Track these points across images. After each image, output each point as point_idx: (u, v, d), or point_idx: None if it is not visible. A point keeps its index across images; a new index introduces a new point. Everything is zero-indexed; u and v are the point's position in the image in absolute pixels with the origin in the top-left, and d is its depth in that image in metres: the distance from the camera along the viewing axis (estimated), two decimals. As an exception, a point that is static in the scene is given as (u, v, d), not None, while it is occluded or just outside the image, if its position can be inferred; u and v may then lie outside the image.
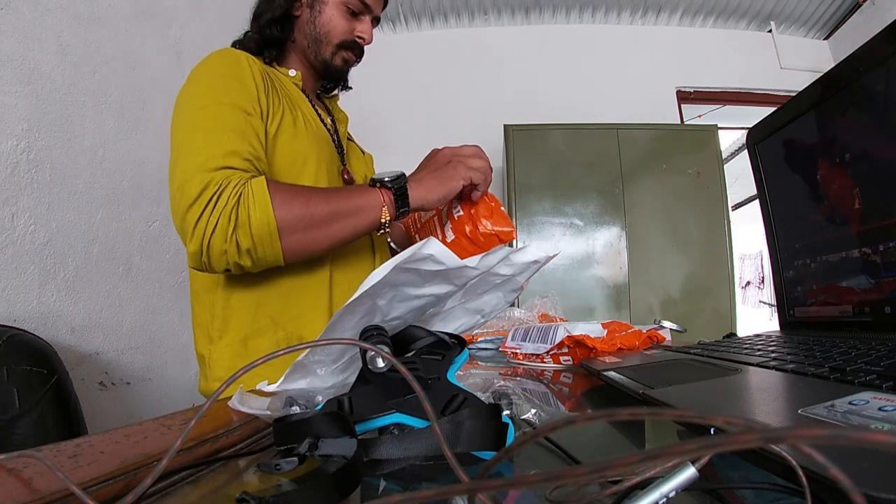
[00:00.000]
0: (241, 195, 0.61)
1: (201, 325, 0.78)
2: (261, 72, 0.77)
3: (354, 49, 0.87)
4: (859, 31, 2.68)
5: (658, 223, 2.30)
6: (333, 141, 0.88)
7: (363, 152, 1.02)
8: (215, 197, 0.60)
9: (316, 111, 0.86)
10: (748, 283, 6.36)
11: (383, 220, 0.68)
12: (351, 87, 0.99)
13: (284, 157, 0.76)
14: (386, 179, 0.68)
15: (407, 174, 0.72)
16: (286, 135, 0.76)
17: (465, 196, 0.74)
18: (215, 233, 0.60)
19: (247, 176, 0.64)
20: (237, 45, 0.86)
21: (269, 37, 0.84)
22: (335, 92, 0.98)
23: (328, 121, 0.90)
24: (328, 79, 0.92)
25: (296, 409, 0.32)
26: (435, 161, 0.73)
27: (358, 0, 0.83)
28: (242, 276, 0.74)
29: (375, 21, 0.89)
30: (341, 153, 0.89)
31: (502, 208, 0.75)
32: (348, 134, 0.99)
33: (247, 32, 0.86)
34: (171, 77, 1.49)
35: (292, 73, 0.86)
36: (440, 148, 0.75)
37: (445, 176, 0.70)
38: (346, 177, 0.86)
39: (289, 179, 0.76)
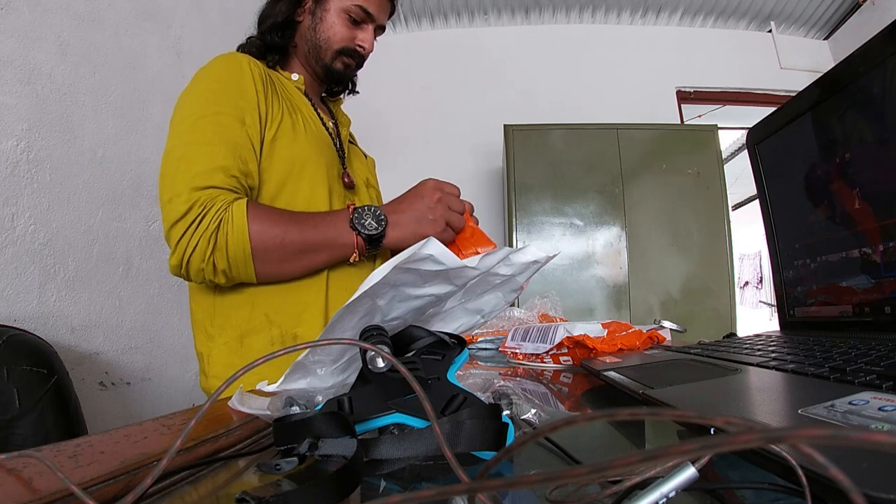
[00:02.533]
0: (221, 220, 0.65)
1: (199, 323, 0.79)
2: (262, 76, 0.77)
3: (354, 56, 0.87)
4: (859, 31, 2.68)
5: (658, 223, 2.30)
6: (335, 144, 0.88)
7: (365, 156, 1.02)
8: (198, 219, 0.65)
9: (318, 114, 0.87)
10: (746, 283, 6.36)
11: (353, 260, 0.74)
12: (358, 92, 0.99)
13: (283, 161, 0.76)
14: (364, 231, 0.71)
15: (391, 200, 0.75)
16: (285, 138, 0.77)
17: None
18: (195, 252, 0.65)
19: (231, 198, 0.67)
20: (241, 49, 0.86)
21: (270, 42, 0.84)
22: (341, 95, 0.98)
23: (330, 124, 0.90)
24: (330, 83, 0.92)
25: (296, 409, 0.32)
26: (420, 197, 0.74)
27: (359, 9, 0.83)
28: None
29: (380, 30, 0.88)
30: (342, 157, 0.89)
31: (480, 228, 0.78)
32: (351, 137, 0.99)
33: (250, 37, 0.87)
34: (171, 77, 1.49)
35: (295, 76, 0.86)
36: (428, 181, 0.76)
37: (426, 221, 0.72)
38: (346, 179, 0.86)
39: (289, 181, 0.77)
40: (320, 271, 0.76)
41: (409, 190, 0.76)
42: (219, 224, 0.65)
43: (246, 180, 0.72)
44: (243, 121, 0.72)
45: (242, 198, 0.69)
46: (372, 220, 0.71)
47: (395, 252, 0.70)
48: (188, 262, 0.66)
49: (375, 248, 0.73)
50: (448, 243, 0.76)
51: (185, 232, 0.65)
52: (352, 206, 0.72)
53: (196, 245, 0.65)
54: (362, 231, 0.71)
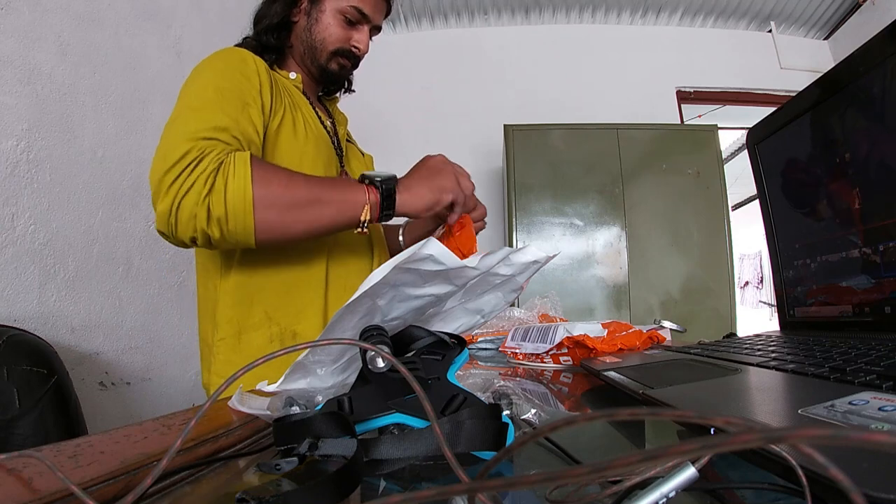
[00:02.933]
0: (221, 163, 0.60)
1: (206, 311, 0.79)
2: (266, 70, 0.77)
3: (349, 57, 0.86)
4: (859, 31, 2.68)
5: (658, 223, 2.30)
6: (333, 143, 0.88)
7: (363, 154, 1.02)
8: (195, 161, 0.59)
9: (316, 113, 0.87)
10: (746, 283, 6.36)
11: (363, 219, 0.66)
12: (354, 90, 0.99)
13: (283, 157, 0.76)
14: (377, 179, 0.67)
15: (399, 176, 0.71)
16: (286, 134, 0.77)
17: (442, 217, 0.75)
18: (189, 194, 0.58)
19: (232, 148, 0.63)
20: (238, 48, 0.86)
21: (265, 43, 0.84)
22: (336, 94, 0.98)
23: (328, 123, 0.90)
24: (326, 83, 0.92)
25: (296, 409, 0.32)
26: (427, 167, 0.72)
27: (355, 10, 0.82)
28: (240, 268, 0.75)
29: (376, 30, 0.88)
30: (340, 155, 0.89)
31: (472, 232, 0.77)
32: (348, 136, 0.99)
33: (246, 38, 0.86)
34: (171, 77, 1.49)
35: (293, 75, 0.86)
36: (433, 155, 0.74)
37: (436, 185, 0.69)
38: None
39: None
40: (320, 237, 0.71)
41: (422, 163, 0.73)
42: (219, 166, 0.60)
43: (248, 146, 0.67)
44: (246, 103, 0.70)
45: (246, 152, 0.64)
46: (379, 177, 0.68)
47: (408, 216, 0.70)
48: (179, 205, 0.59)
49: (388, 206, 0.67)
50: (447, 236, 0.75)
51: (179, 174, 0.58)
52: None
53: (192, 186, 0.58)
54: (376, 180, 0.66)
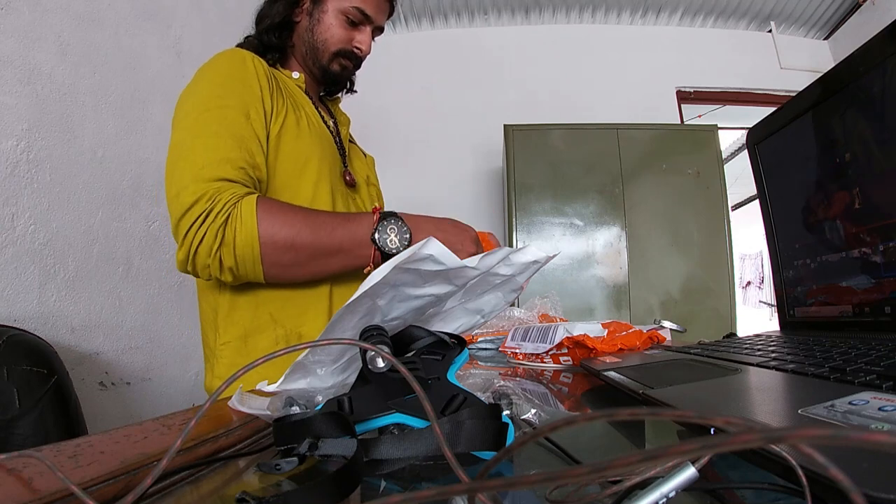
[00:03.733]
0: (230, 216, 0.63)
1: (208, 320, 0.78)
2: (266, 72, 0.77)
3: (351, 58, 0.86)
4: (859, 31, 2.68)
5: (658, 223, 2.30)
6: (336, 143, 0.88)
7: (365, 155, 1.02)
8: (206, 212, 0.63)
9: (319, 113, 0.87)
10: (748, 283, 6.36)
11: (367, 271, 0.70)
12: (356, 91, 0.99)
13: (287, 157, 0.76)
14: (384, 249, 0.68)
15: (420, 216, 0.72)
16: (290, 134, 0.77)
17: None
18: (201, 246, 0.63)
19: (241, 191, 0.65)
20: (239, 47, 0.86)
21: (267, 43, 0.84)
22: (338, 95, 0.98)
23: (330, 123, 0.90)
24: (327, 84, 0.92)
25: (296, 409, 0.32)
26: (455, 226, 0.73)
27: (357, 10, 0.82)
28: None
29: (378, 31, 0.87)
30: (343, 155, 0.89)
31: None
32: (350, 136, 0.99)
33: (247, 37, 0.86)
34: (171, 77, 1.49)
35: (295, 75, 0.86)
36: (461, 223, 0.75)
37: (452, 246, 0.70)
38: (347, 178, 0.86)
39: (292, 179, 0.77)
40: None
41: (447, 219, 0.74)
42: (227, 218, 0.63)
43: (254, 172, 0.69)
44: (248, 114, 0.71)
45: (253, 193, 0.66)
46: (396, 236, 0.68)
47: None
48: (194, 255, 0.64)
49: None
50: None
51: (192, 224, 0.63)
52: (377, 214, 0.69)
53: (203, 238, 0.62)
54: (383, 248, 0.68)
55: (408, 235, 0.68)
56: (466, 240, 0.72)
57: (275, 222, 0.64)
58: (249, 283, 0.74)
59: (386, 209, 0.74)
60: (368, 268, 0.70)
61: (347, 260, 0.69)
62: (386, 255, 0.68)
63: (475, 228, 0.77)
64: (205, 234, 0.62)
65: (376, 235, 0.68)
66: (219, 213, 0.63)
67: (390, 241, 0.68)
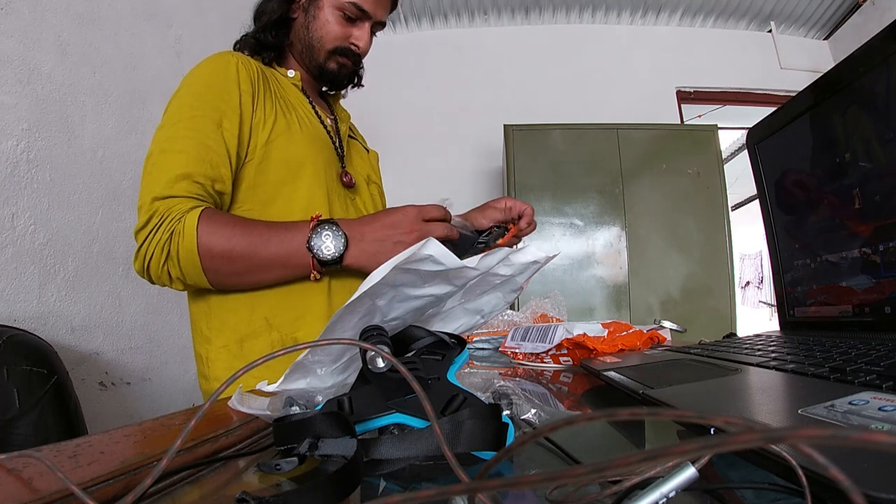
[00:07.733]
0: (173, 231, 0.65)
1: (196, 324, 0.78)
2: (251, 77, 0.75)
3: (349, 55, 0.84)
4: (859, 31, 2.68)
5: (658, 223, 2.30)
6: (333, 142, 0.86)
7: (367, 150, 1.00)
8: (154, 229, 0.66)
9: (316, 111, 0.85)
10: (748, 283, 6.36)
11: (312, 279, 0.70)
12: (363, 85, 0.95)
13: (279, 163, 0.75)
14: (319, 255, 0.67)
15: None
16: (280, 140, 0.76)
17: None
18: (152, 260, 0.66)
19: (187, 207, 0.66)
20: (236, 46, 0.85)
21: (264, 41, 0.83)
22: (343, 90, 0.95)
23: (328, 121, 0.88)
24: (325, 82, 0.90)
25: (296, 409, 0.32)
26: (391, 224, 0.69)
27: (353, 6, 0.79)
28: None
29: (379, 26, 0.85)
30: (341, 155, 0.87)
31: None
32: (352, 131, 0.97)
33: (245, 34, 0.85)
34: (171, 77, 1.49)
35: (291, 73, 0.85)
36: (405, 207, 0.70)
37: (387, 249, 0.68)
38: (345, 179, 0.85)
39: (285, 185, 0.76)
40: (283, 285, 0.73)
41: (385, 215, 0.70)
42: (171, 234, 0.65)
43: (213, 185, 0.69)
44: (220, 123, 0.70)
45: (199, 206, 0.66)
46: (331, 242, 0.67)
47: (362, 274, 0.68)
48: (147, 268, 0.67)
49: (333, 268, 0.69)
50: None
51: (144, 240, 0.66)
52: (315, 221, 0.68)
53: (152, 254, 0.66)
54: (318, 255, 0.67)
55: (343, 241, 0.67)
56: (405, 231, 0.68)
57: (213, 235, 0.65)
58: (243, 287, 0.74)
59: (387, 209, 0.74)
60: (313, 275, 0.69)
61: (287, 269, 0.69)
62: (323, 263, 0.67)
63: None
64: (154, 249, 0.66)
65: (312, 242, 0.67)
66: (164, 230, 0.65)
67: (325, 247, 0.67)
